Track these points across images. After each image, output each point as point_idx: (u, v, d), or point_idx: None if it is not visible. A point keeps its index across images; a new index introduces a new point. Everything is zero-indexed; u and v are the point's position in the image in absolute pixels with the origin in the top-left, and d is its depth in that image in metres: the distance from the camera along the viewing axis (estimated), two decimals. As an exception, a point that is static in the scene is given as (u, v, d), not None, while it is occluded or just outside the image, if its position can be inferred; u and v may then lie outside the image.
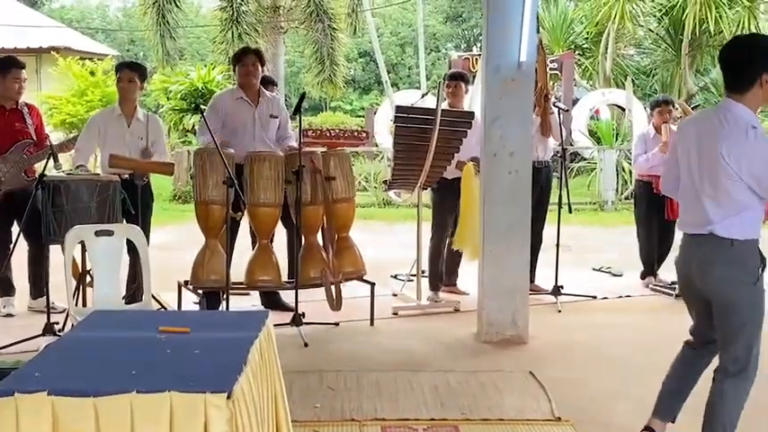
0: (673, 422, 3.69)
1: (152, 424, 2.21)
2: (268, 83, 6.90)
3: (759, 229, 3.35)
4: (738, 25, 17.78)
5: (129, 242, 4.90)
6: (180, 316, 4.40)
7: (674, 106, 7.69)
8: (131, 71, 6.26)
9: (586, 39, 20.42)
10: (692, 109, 9.08)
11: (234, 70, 6.49)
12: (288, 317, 5.69)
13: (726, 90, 3.31)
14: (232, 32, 17.21)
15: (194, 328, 2.88)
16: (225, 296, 5.58)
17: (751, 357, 3.37)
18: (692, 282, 3.47)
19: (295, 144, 6.02)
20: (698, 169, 3.37)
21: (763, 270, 3.33)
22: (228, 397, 2.24)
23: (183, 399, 2.23)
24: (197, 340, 2.74)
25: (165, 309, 5.89)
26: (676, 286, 7.05)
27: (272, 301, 6.38)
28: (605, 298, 7.22)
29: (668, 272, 7.61)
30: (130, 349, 2.69)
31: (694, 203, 3.39)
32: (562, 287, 6.93)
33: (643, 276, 7.74)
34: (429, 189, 7.04)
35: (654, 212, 7.46)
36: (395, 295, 7.06)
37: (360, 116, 24.92)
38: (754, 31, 18.16)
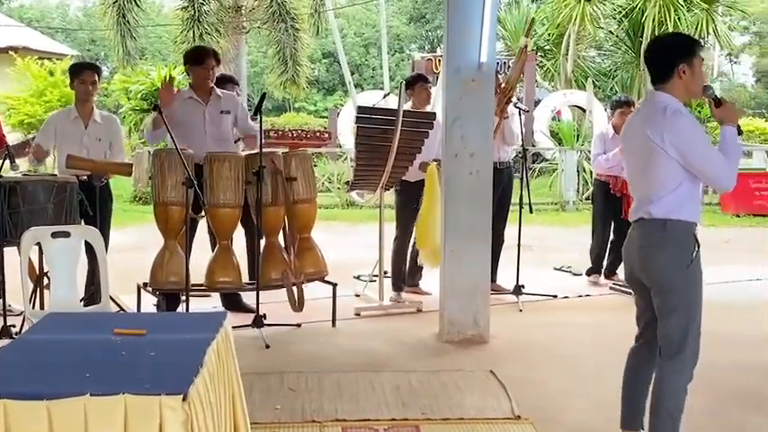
0: (643, 429, 3.66)
1: (106, 427, 2.18)
2: (229, 82, 6.86)
3: (695, 214, 3.48)
4: (697, 27, 18.09)
5: (88, 244, 4.84)
6: (136, 318, 4.35)
7: (634, 107, 7.78)
8: (93, 72, 6.18)
9: (548, 41, 20.63)
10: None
11: (187, 70, 6.40)
12: (249, 318, 5.66)
13: (652, 84, 3.56)
14: (193, 32, 17.07)
15: (151, 329, 2.85)
16: (184, 298, 5.54)
17: (687, 340, 3.44)
18: (633, 268, 3.62)
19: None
20: (633, 157, 3.62)
21: (697, 253, 3.41)
22: (184, 399, 2.21)
23: (137, 401, 2.21)
24: (153, 342, 2.72)
25: (124, 311, 5.83)
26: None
27: (232, 302, 6.34)
28: (566, 297, 7.28)
29: (619, 270, 7.74)
30: (85, 352, 2.65)
31: (634, 191, 3.63)
32: (523, 287, 6.98)
33: (589, 273, 7.84)
34: (392, 190, 7.04)
35: (610, 212, 7.57)
36: (357, 296, 7.06)
37: (324, 117, 24.90)
38: (712, 33, 18.50)
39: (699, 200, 3.57)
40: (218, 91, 6.30)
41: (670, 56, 3.47)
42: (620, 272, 7.69)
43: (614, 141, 7.44)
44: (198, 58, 6.26)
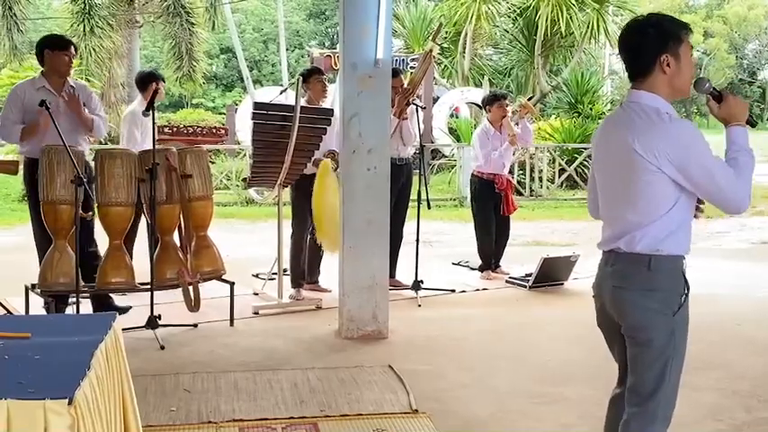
0: None
1: (-13, 434, 2.09)
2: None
3: (685, 244, 2.78)
4: (588, 26, 18.66)
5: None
6: (21, 320, 4.18)
7: (506, 99, 8.00)
8: None
9: (445, 38, 20.89)
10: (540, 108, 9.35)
11: (42, 58, 5.95)
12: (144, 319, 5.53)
13: (630, 80, 2.84)
14: (84, 26, 16.57)
15: (36, 332, 2.74)
16: (75, 299, 5.37)
17: (658, 392, 2.79)
18: (604, 304, 2.92)
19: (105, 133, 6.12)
20: (610, 174, 2.88)
21: (686, 298, 2.77)
22: (70, 403, 2.14)
23: (21, 406, 2.12)
24: (38, 345, 2.62)
25: (11, 313, 5.60)
26: (530, 278, 7.33)
27: (102, 304, 6.04)
28: (463, 291, 7.37)
29: (511, 263, 7.97)
30: (-36, 357, 2.53)
31: (608, 216, 2.92)
32: (422, 282, 7.04)
33: (482, 269, 7.97)
34: (289, 187, 6.99)
35: (492, 208, 7.76)
36: (256, 294, 6.98)
37: (223, 113, 24.63)
38: (603, 32, 19.10)
39: (690, 227, 2.80)
40: (71, 81, 6.03)
41: (648, 44, 2.73)
42: (504, 265, 7.96)
43: (497, 137, 7.63)
44: (60, 43, 5.98)
